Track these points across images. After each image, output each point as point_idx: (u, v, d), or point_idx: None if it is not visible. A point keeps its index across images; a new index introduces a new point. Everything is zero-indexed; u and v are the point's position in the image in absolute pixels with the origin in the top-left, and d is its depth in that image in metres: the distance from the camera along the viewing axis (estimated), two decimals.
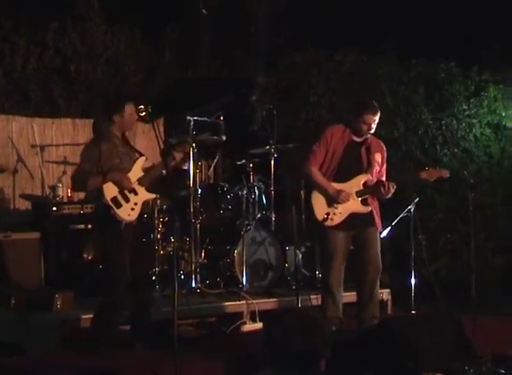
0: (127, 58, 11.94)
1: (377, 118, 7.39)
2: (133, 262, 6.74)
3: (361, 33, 11.67)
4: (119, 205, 6.62)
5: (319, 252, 8.12)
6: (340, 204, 7.35)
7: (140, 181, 6.75)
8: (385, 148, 7.66)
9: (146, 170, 6.81)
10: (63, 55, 11.47)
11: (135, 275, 6.76)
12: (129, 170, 6.73)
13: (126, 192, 6.68)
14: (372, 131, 7.42)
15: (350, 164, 7.44)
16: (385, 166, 7.60)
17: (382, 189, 7.35)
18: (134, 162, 6.80)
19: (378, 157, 7.51)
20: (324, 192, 7.40)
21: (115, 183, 6.64)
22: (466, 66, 11.35)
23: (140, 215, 6.84)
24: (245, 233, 8.61)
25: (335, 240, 7.41)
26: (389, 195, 7.40)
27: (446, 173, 7.66)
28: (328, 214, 7.37)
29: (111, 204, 6.60)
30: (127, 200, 6.67)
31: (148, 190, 6.82)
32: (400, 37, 11.46)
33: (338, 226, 7.40)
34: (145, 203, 6.95)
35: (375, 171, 7.47)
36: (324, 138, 7.48)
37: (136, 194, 6.74)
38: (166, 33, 12.50)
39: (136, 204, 6.73)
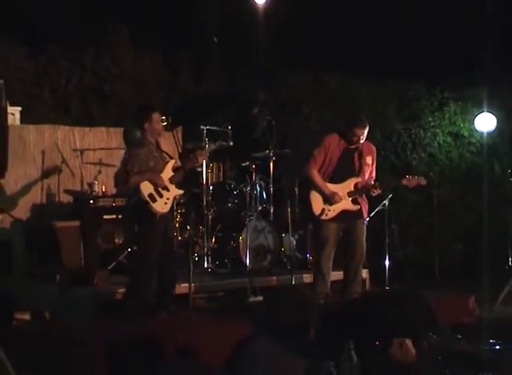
0: (151, 78, 11.96)
1: (366, 131, 7.43)
2: (164, 246, 6.79)
3: (345, 57, 11.69)
4: (154, 200, 6.69)
5: (313, 240, 8.14)
6: (334, 203, 7.40)
7: (170, 180, 6.84)
8: (374, 150, 7.71)
9: (175, 170, 6.88)
10: (99, 76, 11.50)
11: (165, 257, 6.80)
12: (162, 171, 6.81)
13: (160, 189, 6.75)
14: (362, 141, 7.47)
15: (344, 168, 7.49)
16: (374, 165, 7.65)
17: (372, 191, 7.46)
18: (166, 164, 6.87)
19: (368, 159, 7.56)
20: (321, 191, 7.45)
21: (151, 182, 6.72)
22: (431, 85, 11.39)
23: (172, 207, 6.94)
24: (248, 222, 8.63)
25: (327, 231, 7.46)
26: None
27: (423, 181, 7.70)
28: (323, 210, 7.42)
29: (148, 199, 6.67)
30: (161, 196, 6.75)
31: (177, 187, 6.88)
32: (377, 61, 11.47)
33: (331, 220, 7.44)
34: (175, 197, 7.02)
35: (366, 173, 7.53)
36: (323, 145, 7.50)
37: (168, 190, 6.81)
38: (182, 57, 12.51)
39: (168, 199, 6.81)
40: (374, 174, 7.65)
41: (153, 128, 6.82)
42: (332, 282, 7.75)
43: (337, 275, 7.94)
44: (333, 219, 7.45)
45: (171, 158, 7.01)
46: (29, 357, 6.19)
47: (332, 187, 7.43)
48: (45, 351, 6.31)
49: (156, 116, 6.85)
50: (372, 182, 7.60)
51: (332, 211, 7.42)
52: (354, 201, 7.47)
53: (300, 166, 7.81)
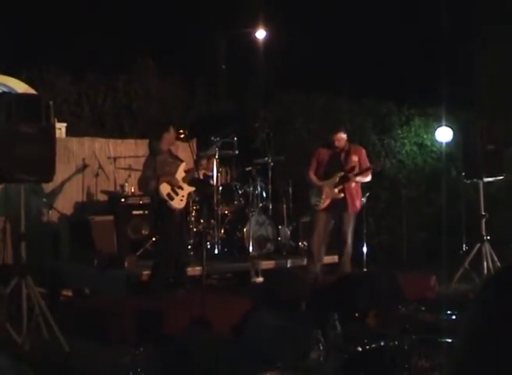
0: (171, 99, 11.97)
1: (341, 135, 7.55)
2: (178, 235, 6.82)
3: (330, 81, 11.72)
4: (172, 198, 6.71)
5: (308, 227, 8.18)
6: (323, 194, 7.43)
7: (183, 179, 6.85)
8: (362, 150, 7.76)
9: (186, 171, 6.90)
10: (129, 97, 11.52)
11: (178, 243, 6.83)
12: (176, 172, 6.82)
13: (176, 188, 6.77)
14: (342, 143, 7.53)
15: (332, 167, 7.57)
16: (363, 159, 7.65)
17: (352, 179, 7.52)
18: (178, 166, 6.88)
19: (354, 158, 7.60)
20: (314, 186, 7.56)
21: (168, 183, 6.73)
22: (399, 104, 11.41)
23: (199, 206, 7.00)
24: (251, 217, 8.63)
25: (318, 218, 7.56)
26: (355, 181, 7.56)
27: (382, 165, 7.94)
28: (317, 202, 7.50)
29: (166, 198, 6.68)
30: (177, 194, 6.76)
31: (189, 184, 6.89)
32: (356, 83, 11.50)
33: (322, 210, 7.51)
34: (189, 194, 7.04)
35: (351, 168, 7.55)
36: (314, 155, 7.69)
37: (182, 189, 6.82)
38: (197, 81, 12.53)
39: (183, 196, 6.83)
40: (368, 165, 7.67)
41: (169, 137, 6.86)
42: (326, 265, 7.78)
43: (331, 259, 7.98)
44: (324, 209, 7.50)
45: (182, 161, 7.03)
46: (73, 324, 6.22)
47: (322, 182, 7.51)
48: (86, 320, 6.33)
49: (172, 128, 6.91)
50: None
51: (323, 202, 7.47)
52: (340, 191, 7.51)
53: (293, 170, 7.91)
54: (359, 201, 7.64)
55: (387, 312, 6.05)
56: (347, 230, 7.53)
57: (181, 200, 6.80)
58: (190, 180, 6.96)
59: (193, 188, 7.02)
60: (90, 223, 8.41)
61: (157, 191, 6.70)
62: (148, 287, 6.80)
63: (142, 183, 6.86)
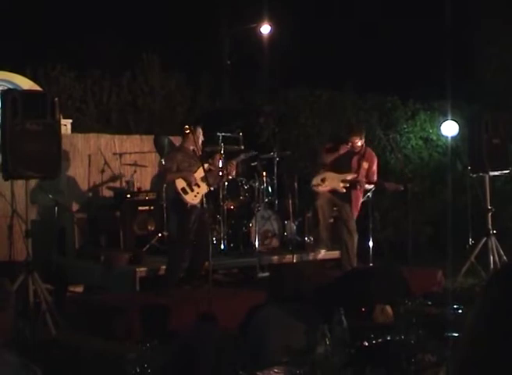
0: (176, 95, 11.97)
1: (356, 138, 7.63)
2: (198, 232, 6.83)
3: (334, 76, 11.71)
4: (186, 193, 6.86)
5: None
6: (327, 180, 7.59)
7: (202, 179, 6.90)
8: (375, 159, 7.81)
9: (206, 172, 6.93)
10: (134, 93, 11.52)
11: (199, 240, 6.84)
12: (196, 171, 6.92)
13: (192, 185, 6.89)
14: (356, 147, 7.58)
15: (343, 165, 7.64)
16: (372, 170, 7.72)
17: (358, 186, 7.57)
18: (199, 166, 6.92)
19: (365, 164, 7.63)
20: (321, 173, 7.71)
21: (184, 179, 6.84)
22: (404, 98, 11.40)
23: (205, 201, 7.04)
24: (257, 212, 8.61)
25: (319, 196, 7.69)
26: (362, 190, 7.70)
27: (400, 187, 7.84)
28: (318, 184, 7.64)
29: (180, 192, 6.84)
30: (192, 190, 6.90)
31: (208, 185, 6.91)
32: (361, 78, 11.49)
33: (322, 191, 7.66)
34: (208, 193, 7.09)
35: (361, 173, 7.62)
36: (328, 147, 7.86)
37: (198, 186, 6.93)
38: (202, 77, 12.52)
39: (198, 193, 6.96)
40: (375, 176, 7.69)
41: (195, 137, 6.87)
42: (329, 260, 7.78)
43: (333, 254, 7.97)
44: (324, 191, 7.64)
45: (205, 163, 7.06)
46: (80, 320, 6.24)
47: (331, 172, 7.60)
48: (92, 316, 6.35)
49: (199, 129, 7.01)
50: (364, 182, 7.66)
51: (324, 187, 7.63)
52: (346, 188, 7.55)
53: (298, 165, 7.98)
54: (357, 208, 7.72)
55: (393, 307, 6.05)
56: (349, 223, 7.62)
57: (195, 196, 6.91)
58: (212, 181, 7.01)
59: (210, 189, 7.04)
60: (97, 219, 8.42)
61: (172, 184, 6.86)
62: (163, 283, 6.82)
63: (162, 174, 7.03)
